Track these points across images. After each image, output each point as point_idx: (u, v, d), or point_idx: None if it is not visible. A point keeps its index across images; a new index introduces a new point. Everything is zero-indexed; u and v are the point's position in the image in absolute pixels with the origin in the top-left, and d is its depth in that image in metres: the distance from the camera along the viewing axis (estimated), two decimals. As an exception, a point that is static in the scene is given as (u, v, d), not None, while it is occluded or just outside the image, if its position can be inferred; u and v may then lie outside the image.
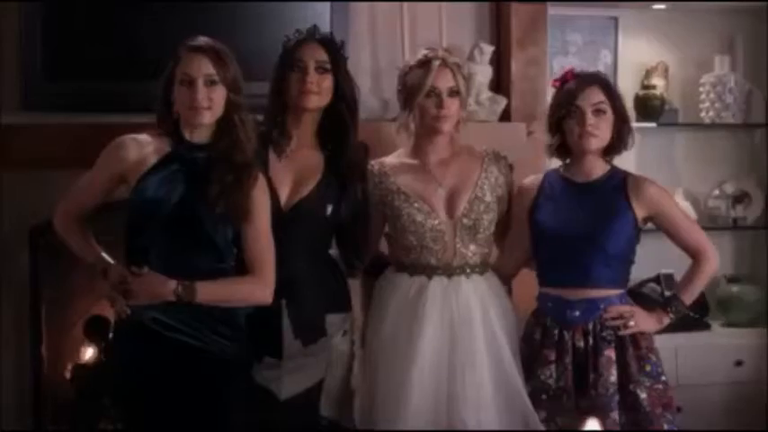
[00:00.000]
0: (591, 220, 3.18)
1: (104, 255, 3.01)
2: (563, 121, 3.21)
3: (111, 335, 4.10)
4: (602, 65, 4.66)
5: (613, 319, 3.17)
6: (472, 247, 3.21)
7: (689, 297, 3.29)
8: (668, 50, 4.82)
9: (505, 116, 4.15)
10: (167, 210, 2.85)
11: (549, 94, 4.20)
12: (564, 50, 4.64)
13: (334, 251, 3.27)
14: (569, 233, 3.18)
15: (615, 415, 3.10)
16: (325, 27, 3.61)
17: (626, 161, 3.46)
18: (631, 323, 3.18)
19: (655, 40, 4.81)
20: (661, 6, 4.69)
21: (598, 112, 3.17)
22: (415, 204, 3.19)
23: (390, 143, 3.44)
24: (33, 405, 3.89)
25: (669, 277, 4.54)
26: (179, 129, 2.94)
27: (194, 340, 2.87)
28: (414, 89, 3.19)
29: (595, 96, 3.18)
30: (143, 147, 2.93)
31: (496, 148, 3.38)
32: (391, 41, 4.08)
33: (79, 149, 3.54)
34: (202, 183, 2.87)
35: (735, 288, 4.76)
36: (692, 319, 4.55)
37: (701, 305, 4.71)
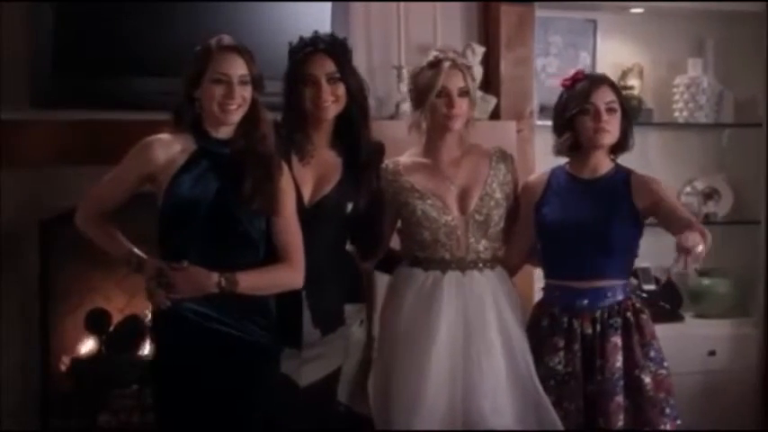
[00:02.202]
0: (596, 214, 3.32)
1: (135, 249, 3.05)
2: (575, 118, 3.35)
3: (110, 327, 4.26)
4: (581, 65, 4.78)
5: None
6: (484, 242, 3.33)
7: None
8: (643, 52, 4.98)
9: (495, 115, 4.30)
10: (204, 208, 2.93)
11: (536, 93, 4.46)
12: (546, 51, 4.77)
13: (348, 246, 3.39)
14: (575, 228, 3.32)
15: (620, 399, 3.25)
16: (325, 26, 3.74)
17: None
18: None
19: (630, 42, 4.97)
20: (638, 10, 4.85)
21: (610, 110, 3.33)
22: (429, 201, 3.30)
23: (385, 141, 3.50)
24: (41, 400, 3.94)
25: (645, 271, 4.73)
26: (201, 125, 3.01)
27: (234, 330, 2.96)
28: (425, 89, 3.30)
29: (608, 95, 3.35)
30: (170, 146, 2.99)
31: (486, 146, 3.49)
32: (385, 41, 4.21)
33: (87, 145, 3.67)
34: (234, 178, 2.96)
35: (706, 281, 4.92)
36: (667, 311, 4.74)
37: (675, 297, 4.90)
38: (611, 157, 3.43)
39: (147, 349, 4.25)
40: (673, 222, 3.25)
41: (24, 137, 3.71)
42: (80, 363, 4.16)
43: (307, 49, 3.23)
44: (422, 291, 3.29)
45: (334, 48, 3.25)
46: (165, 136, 3.02)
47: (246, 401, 2.97)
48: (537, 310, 3.46)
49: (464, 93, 3.31)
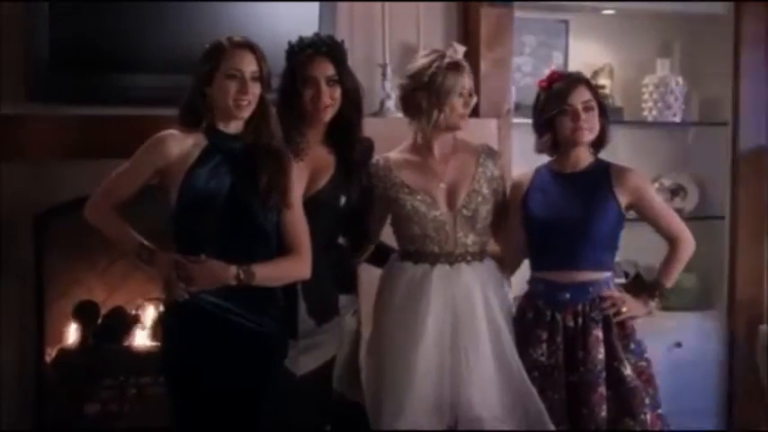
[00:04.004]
0: (578, 208, 3.44)
1: (145, 242, 3.09)
2: (554, 119, 3.47)
3: (98, 318, 4.31)
4: (554, 65, 4.91)
5: (610, 307, 3.44)
6: (472, 236, 3.43)
7: (669, 280, 3.60)
8: (613, 52, 5.10)
9: (473, 113, 4.38)
10: (220, 201, 3.00)
11: (517, 91, 4.57)
12: (520, 51, 4.86)
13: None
14: (558, 221, 3.44)
15: (603, 389, 3.37)
16: (313, 25, 3.85)
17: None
18: (624, 309, 3.46)
19: (601, 42, 5.09)
20: (609, 12, 4.97)
21: (587, 108, 3.45)
22: (418, 197, 3.40)
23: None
24: (36, 392, 3.97)
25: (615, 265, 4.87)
26: (211, 121, 3.07)
27: (248, 321, 3.04)
28: (449, 90, 3.37)
29: (584, 94, 3.47)
30: (183, 141, 3.05)
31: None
32: (369, 39, 4.27)
33: (83, 140, 3.71)
34: (247, 172, 3.04)
35: (672, 274, 5.08)
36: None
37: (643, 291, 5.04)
38: (591, 151, 3.55)
39: (134, 340, 4.33)
40: (655, 223, 3.56)
41: (22, 131, 3.73)
42: (68, 354, 4.21)
43: (308, 51, 3.32)
44: (411, 284, 3.38)
45: (334, 51, 3.35)
46: (174, 132, 3.07)
47: (261, 392, 3.07)
48: (523, 302, 3.57)
49: (471, 93, 3.44)
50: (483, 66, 4.41)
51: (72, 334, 4.26)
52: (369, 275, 3.63)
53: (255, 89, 3.06)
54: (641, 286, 4.95)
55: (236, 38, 3.09)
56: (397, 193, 3.42)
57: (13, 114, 3.74)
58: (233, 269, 2.98)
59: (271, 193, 3.05)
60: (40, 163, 3.78)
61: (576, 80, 3.53)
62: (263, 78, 3.08)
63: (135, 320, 4.33)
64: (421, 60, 3.45)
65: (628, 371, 3.41)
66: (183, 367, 3.06)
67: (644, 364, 3.47)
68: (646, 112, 5.07)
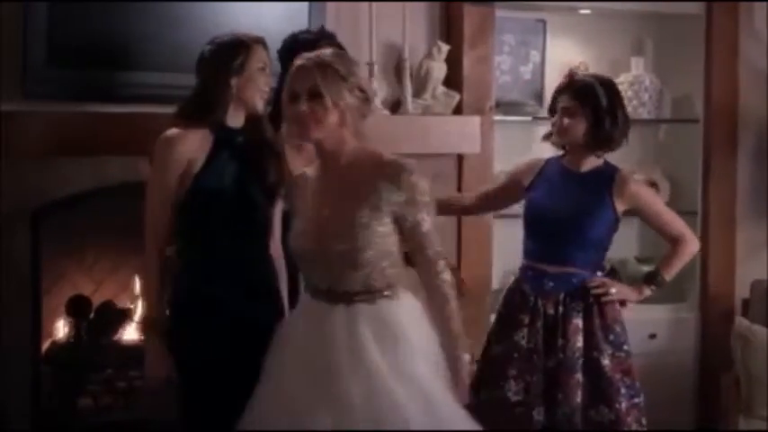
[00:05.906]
0: (576, 206, 3.56)
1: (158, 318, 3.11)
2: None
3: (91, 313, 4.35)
4: (531, 63, 5.06)
5: (596, 287, 3.56)
6: (353, 274, 2.86)
7: (669, 275, 3.71)
8: (589, 51, 5.19)
9: (457, 110, 4.50)
10: (228, 197, 3.05)
11: (496, 89, 4.66)
12: (499, 50, 4.94)
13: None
14: (555, 215, 3.57)
15: (579, 376, 3.50)
16: (303, 25, 3.92)
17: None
18: (613, 290, 3.58)
19: (578, 41, 5.19)
20: (586, 11, 5.08)
21: (567, 114, 3.59)
22: (295, 222, 3.01)
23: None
24: (32, 386, 4.00)
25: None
26: (222, 115, 3.10)
27: (245, 309, 3.08)
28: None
29: (565, 102, 3.61)
30: (187, 139, 3.06)
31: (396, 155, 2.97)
32: (354, 38, 4.30)
33: (79, 137, 3.75)
34: (252, 166, 3.11)
35: (644, 268, 5.11)
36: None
37: (618, 284, 5.16)
38: (598, 155, 3.66)
39: (125, 334, 4.37)
40: (657, 228, 3.73)
41: (18, 128, 3.74)
42: (61, 349, 4.24)
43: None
44: (295, 313, 3.11)
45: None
46: (176, 130, 3.08)
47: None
48: (513, 286, 3.71)
49: (315, 95, 2.82)
50: (466, 64, 4.51)
51: (64, 329, 4.29)
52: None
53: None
54: (614, 279, 5.13)
55: (252, 34, 3.16)
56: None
57: (9, 111, 3.76)
58: None
59: (277, 187, 3.13)
60: (38, 160, 3.80)
61: (566, 85, 3.67)
62: None
63: (127, 314, 4.36)
64: None
65: (606, 361, 3.53)
66: (196, 362, 3.08)
67: (622, 354, 3.59)
68: (620, 110, 5.18)
